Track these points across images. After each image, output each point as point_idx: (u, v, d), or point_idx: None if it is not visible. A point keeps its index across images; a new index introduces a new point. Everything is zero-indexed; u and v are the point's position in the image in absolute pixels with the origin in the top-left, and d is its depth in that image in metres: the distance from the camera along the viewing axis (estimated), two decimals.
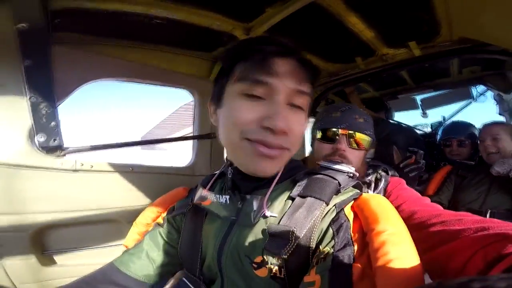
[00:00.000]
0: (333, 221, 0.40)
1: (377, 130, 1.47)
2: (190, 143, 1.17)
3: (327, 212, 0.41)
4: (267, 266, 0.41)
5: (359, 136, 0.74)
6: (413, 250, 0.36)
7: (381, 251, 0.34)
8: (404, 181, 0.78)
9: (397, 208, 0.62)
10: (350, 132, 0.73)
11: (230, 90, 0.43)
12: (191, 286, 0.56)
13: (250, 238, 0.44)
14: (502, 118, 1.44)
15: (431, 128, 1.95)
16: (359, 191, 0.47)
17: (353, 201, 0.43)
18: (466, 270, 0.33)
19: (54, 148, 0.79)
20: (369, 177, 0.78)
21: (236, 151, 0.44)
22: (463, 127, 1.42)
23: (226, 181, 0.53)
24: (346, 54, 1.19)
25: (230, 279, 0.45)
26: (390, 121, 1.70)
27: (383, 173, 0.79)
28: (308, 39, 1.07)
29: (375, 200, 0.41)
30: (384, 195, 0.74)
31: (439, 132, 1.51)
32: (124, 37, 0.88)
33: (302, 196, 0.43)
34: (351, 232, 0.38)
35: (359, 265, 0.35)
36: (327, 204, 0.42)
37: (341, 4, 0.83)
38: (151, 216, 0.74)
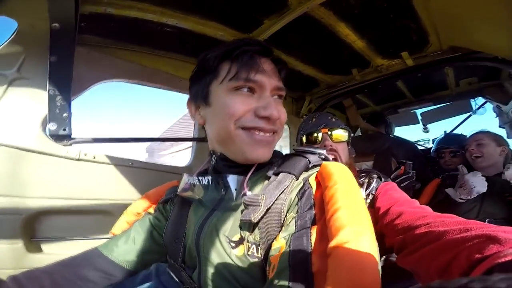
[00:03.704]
0: (299, 190, 0.42)
1: (377, 144, 1.49)
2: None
3: (296, 186, 0.44)
4: (244, 243, 0.42)
5: (337, 130, 0.87)
6: (361, 199, 0.37)
7: (331, 202, 0.35)
8: (395, 184, 0.78)
9: (386, 210, 0.61)
10: (330, 128, 0.87)
11: (219, 88, 0.46)
12: (171, 272, 0.56)
13: (230, 220, 0.45)
14: (502, 131, 1.41)
15: (433, 143, 1.91)
16: None
17: (316, 172, 0.45)
18: (450, 270, 0.33)
19: (62, 136, 0.85)
20: (362, 179, 0.80)
21: (231, 139, 0.47)
22: (455, 138, 1.41)
23: (209, 167, 0.55)
24: (343, 66, 1.26)
25: (208, 261, 0.45)
26: (390, 135, 1.69)
27: (375, 176, 0.81)
28: (307, 52, 1.16)
29: (333, 164, 0.43)
30: (374, 194, 0.74)
31: (434, 145, 1.49)
32: (139, 42, 0.99)
33: (276, 173, 0.46)
34: (313, 198, 0.40)
35: (318, 226, 0.35)
36: (297, 178, 0.44)
37: (332, 16, 0.92)
38: (143, 206, 0.74)
